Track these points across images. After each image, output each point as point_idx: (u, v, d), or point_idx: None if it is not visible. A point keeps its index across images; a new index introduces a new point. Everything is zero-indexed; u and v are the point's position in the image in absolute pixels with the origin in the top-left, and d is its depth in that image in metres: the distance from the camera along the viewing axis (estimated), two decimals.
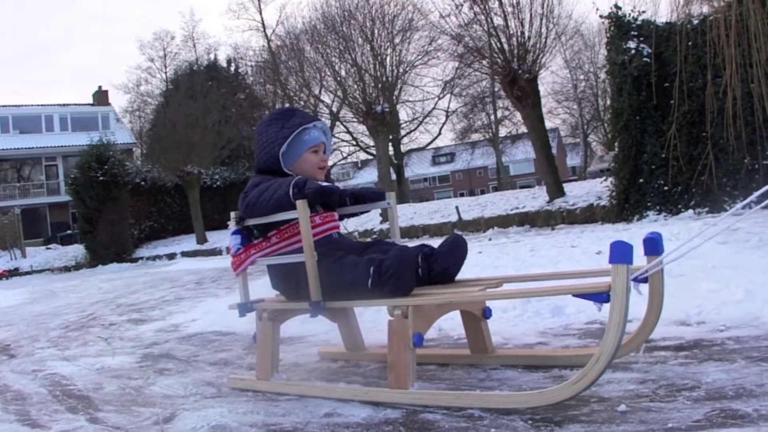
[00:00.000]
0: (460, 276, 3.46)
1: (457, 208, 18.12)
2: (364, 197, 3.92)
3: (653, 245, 2.94)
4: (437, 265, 3.31)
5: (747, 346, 3.36)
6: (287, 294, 3.63)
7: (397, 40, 22.85)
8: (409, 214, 20.44)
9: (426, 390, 3.12)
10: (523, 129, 33.51)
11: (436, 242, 3.48)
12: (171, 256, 24.23)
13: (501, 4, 16.48)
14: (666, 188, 12.19)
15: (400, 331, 3.05)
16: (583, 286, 2.85)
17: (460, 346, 4.03)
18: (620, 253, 2.54)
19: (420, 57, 27.71)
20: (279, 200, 3.33)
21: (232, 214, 3.62)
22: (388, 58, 22.14)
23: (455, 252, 3.37)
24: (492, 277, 3.56)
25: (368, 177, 69.10)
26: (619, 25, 12.86)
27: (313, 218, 3.47)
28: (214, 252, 23.21)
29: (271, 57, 27.36)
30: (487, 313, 3.54)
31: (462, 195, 55.72)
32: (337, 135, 48.34)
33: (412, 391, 3.03)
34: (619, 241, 2.57)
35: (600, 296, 2.67)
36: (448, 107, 46.84)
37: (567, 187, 18.55)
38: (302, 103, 25.82)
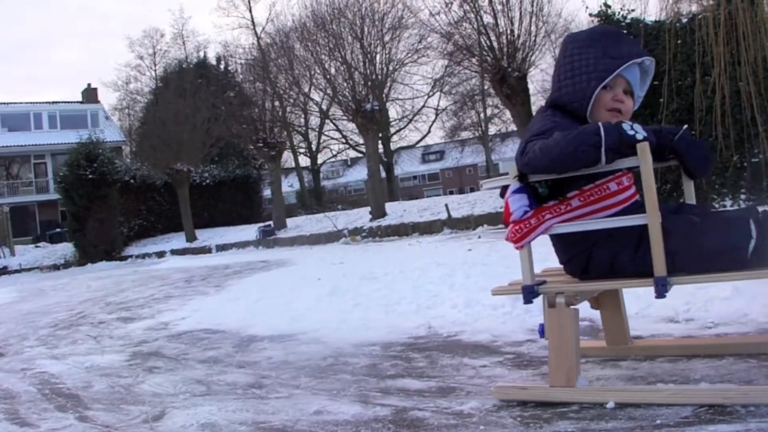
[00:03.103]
0: None
1: (446, 205, 18.11)
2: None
3: None
4: None
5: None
6: (594, 270, 2.83)
7: (386, 38, 22.77)
8: (399, 211, 20.43)
9: None
10: (513, 127, 33.50)
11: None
12: (160, 254, 24.14)
13: (491, 2, 16.45)
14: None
15: None
16: None
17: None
18: None
19: (410, 55, 27.66)
20: (579, 163, 2.63)
21: (510, 169, 2.87)
22: (377, 56, 22.07)
23: None
24: None
25: (358, 175, 69.05)
26: (608, 24, 12.89)
27: (621, 179, 2.83)
28: (204, 250, 23.15)
29: (261, 55, 27.22)
30: None
31: (452, 193, 55.78)
32: (326, 133, 48.49)
33: None
34: None
35: None
36: (438, 105, 47.00)
37: None
38: (291, 100, 25.78)
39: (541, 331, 2.89)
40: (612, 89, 2.81)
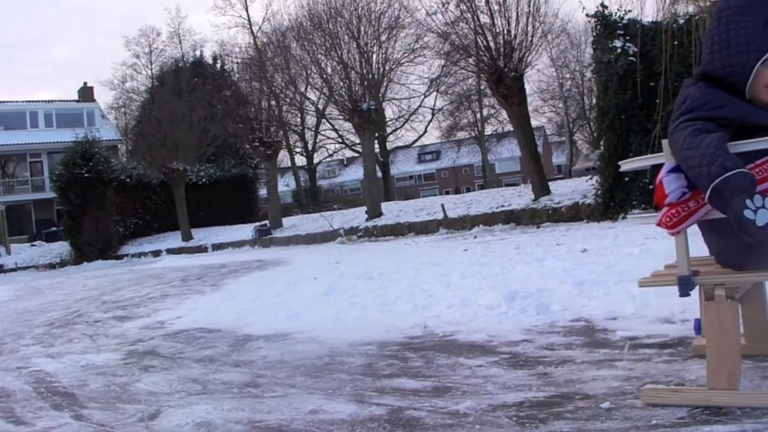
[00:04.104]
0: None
1: (442, 206, 18.12)
2: None
3: None
4: None
5: None
6: (756, 261, 2.51)
7: (383, 38, 22.85)
8: (395, 211, 20.44)
9: None
10: (509, 127, 33.57)
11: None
12: (156, 253, 24.13)
13: (488, 2, 16.48)
14: (651, 187, 12.23)
15: None
16: None
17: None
18: None
19: (406, 55, 27.81)
20: (693, 179, 2.43)
21: (665, 143, 2.59)
22: (374, 56, 22.11)
23: None
24: None
25: (354, 174, 69.07)
26: (606, 24, 12.90)
27: None
28: (200, 249, 23.14)
29: (257, 54, 27.25)
30: None
31: (448, 193, 55.77)
32: (322, 132, 48.53)
33: None
34: None
35: None
36: (434, 105, 47.14)
37: (552, 185, 18.59)
38: (288, 100, 25.78)
39: (697, 328, 2.68)
40: None
